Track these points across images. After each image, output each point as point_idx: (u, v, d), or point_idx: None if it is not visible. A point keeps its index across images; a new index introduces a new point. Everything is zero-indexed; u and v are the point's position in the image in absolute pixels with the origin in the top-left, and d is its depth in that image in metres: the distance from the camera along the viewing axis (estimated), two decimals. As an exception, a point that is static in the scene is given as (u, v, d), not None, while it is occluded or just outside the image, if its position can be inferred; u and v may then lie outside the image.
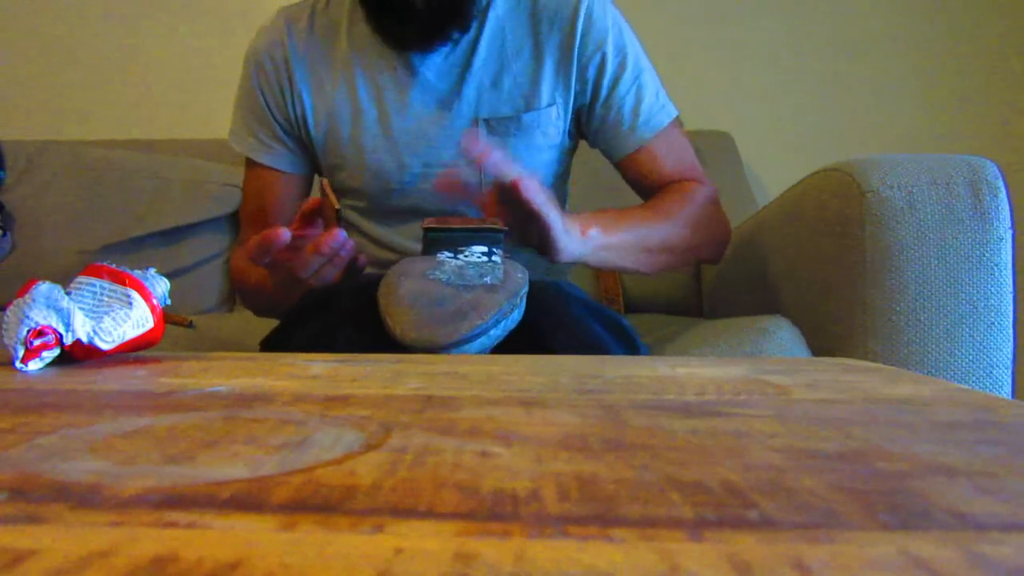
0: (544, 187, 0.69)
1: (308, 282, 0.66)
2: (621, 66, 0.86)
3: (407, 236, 0.91)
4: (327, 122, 0.88)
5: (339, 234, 0.63)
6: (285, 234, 0.61)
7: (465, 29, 0.82)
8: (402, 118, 0.86)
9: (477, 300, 0.55)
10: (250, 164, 0.94)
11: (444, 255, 0.63)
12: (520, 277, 0.59)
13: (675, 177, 0.90)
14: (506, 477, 0.20)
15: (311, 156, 0.93)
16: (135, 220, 1.42)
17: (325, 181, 0.70)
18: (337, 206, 0.66)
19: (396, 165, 0.87)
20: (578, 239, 0.72)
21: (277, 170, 0.92)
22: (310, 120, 0.89)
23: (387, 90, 0.86)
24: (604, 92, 0.86)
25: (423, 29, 0.80)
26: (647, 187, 0.91)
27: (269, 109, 0.90)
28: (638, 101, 0.86)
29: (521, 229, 0.69)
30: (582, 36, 0.85)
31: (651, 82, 0.88)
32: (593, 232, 0.74)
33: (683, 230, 0.84)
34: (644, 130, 0.87)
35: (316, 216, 0.71)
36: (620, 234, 0.78)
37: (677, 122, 0.91)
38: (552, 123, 0.87)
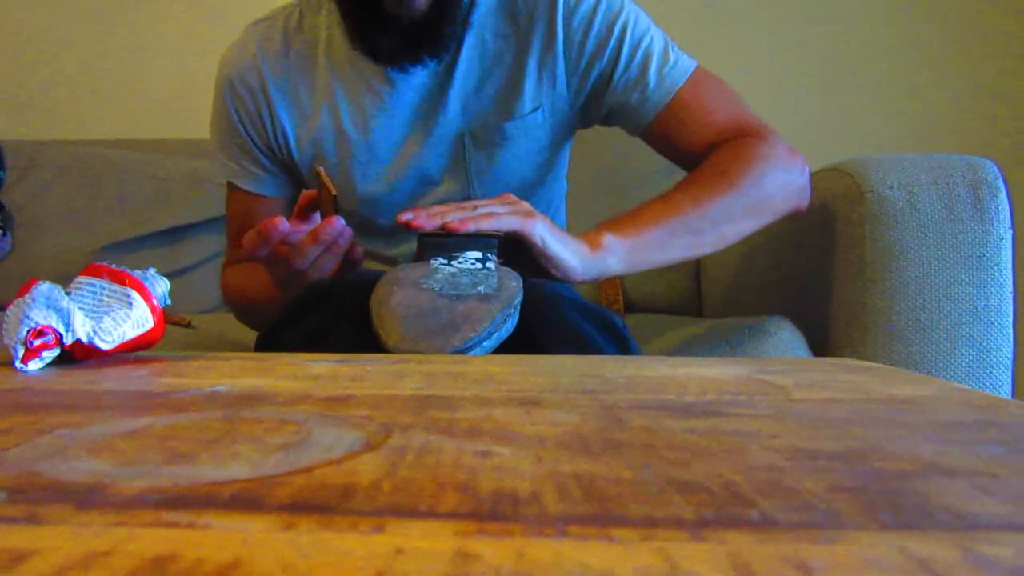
0: (514, 201, 0.67)
1: (307, 274, 0.65)
2: (619, 40, 0.79)
3: (399, 250, 0.89)
4: (311, 148, 0.85)
5: (337, 222, 0.62)
6: (283, 224, 0.61)
7: (437, 57, 0.79)
8: (388, 140, 0.83)
9: (470, 311, 0.54)
10: (232, 187, 0.91)
11: (438, 261, 0.62)
12: (514, 285, 0.59)
13: (712, 131, 0.80)
14: (506, 477, 0.20)
15: (296, 177, 0.90)
16: (135, 220, 1.43)
17: (320, 168, 0.69)
18: (334, 192, 0.66)
19: (385, 187, 0.85)
20: (589, 255, 0.67)
21: (262, 195, 0.89)
22: (293, 147, 0.86)
23: (371, 114, 0.83)
24: (607, 73, 0.80)
25: (401, 43, 0.77)
26: (680, 150, 0.82)
27: (248, 136, 0.87)
28: (644, 68, 0.79)
29: (526, 265, 0.66)
30: (564, 25, 0.79)
31: (656, 43, 0.80)
32: (608, 239, 0.68)
33: (735, 194, 0.74)
34: (657, 95, 0.79)
35: (313, 210, 0.71)
36: (651, 229, 0.71)
37: (701, 75, 0.81)
38: (539, 126, 0.83)
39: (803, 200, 0.80)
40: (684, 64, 0.80)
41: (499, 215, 0.64)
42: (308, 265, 0.64)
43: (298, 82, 0.85)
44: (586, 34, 0.79)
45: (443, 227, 0.62)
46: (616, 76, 0.80)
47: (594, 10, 0.79)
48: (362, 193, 0.85)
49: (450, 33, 0.78)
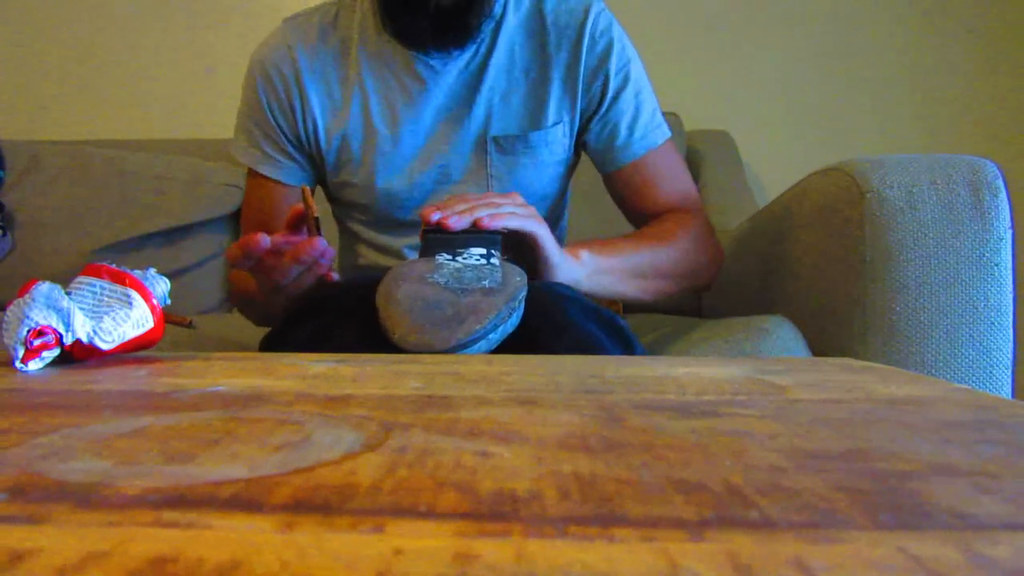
0: (524, 203, 0.71)
1: (287, 289, 0.66)
2: (624, 82, 0.87)
3: (414, 246, 0.91)
4: (339, 140, 0.88)
5: (319, 243, 0.63)
6: (265, 240, 0.62)
7: (463, 47, 0.83)
8: (414, 137, 0.87)
9: (475, 304, 0.55)
10: (253, 174, 0.92)
11: (442, 257, 0.63)
12: (518, 280, 0.59)
13: (666, 199, 0.90)
14: (506, 477, 0.20)
15: (317, 170, 0.92)
16: (135, 220, 1.42)
17: (305, 188, 0.70)
18: (316, 214, 0.66)
19: (406, 183, 0.87)
20: (572, 260, 0.74)
21: (282, 183, 0.91)
22: (322, 138, 0.88)
23: (400, 110, 0.86)
24: (605, 106, 0.87)
25: (429, 27, 0.80)
26: (636, 205, 0.91)
27: (278, 124, 0.89)
28: (635, 117, 0.88)
29: (520, 257, 0.70)
30: (588, 51, 0.86)
31: (649, 101, 0.89)
32: (585, 255, 0.76)
33: (677, 257, 0.85)
34: (638, 146, 0.88)
35: (302, 223, 0.72)
36: (614, 258, 0.79)
37: (672, 145, 0.92)
38: (559, 141, 0.88)
39: (715, 277, 0.93)
40: (665, 130, 0.91)
41: (519, 216, 0.68)
42: (288, 281, 0.66)
43: (331, 74, 0.88)
44: (602, 62, 0.87)
45: (475, 224, 0.65)
46: (611, 107, 0.88)
47: (611, 45, 0.87)
48: (382, 187, 0.88)
49: (477, 25, 0.82)
